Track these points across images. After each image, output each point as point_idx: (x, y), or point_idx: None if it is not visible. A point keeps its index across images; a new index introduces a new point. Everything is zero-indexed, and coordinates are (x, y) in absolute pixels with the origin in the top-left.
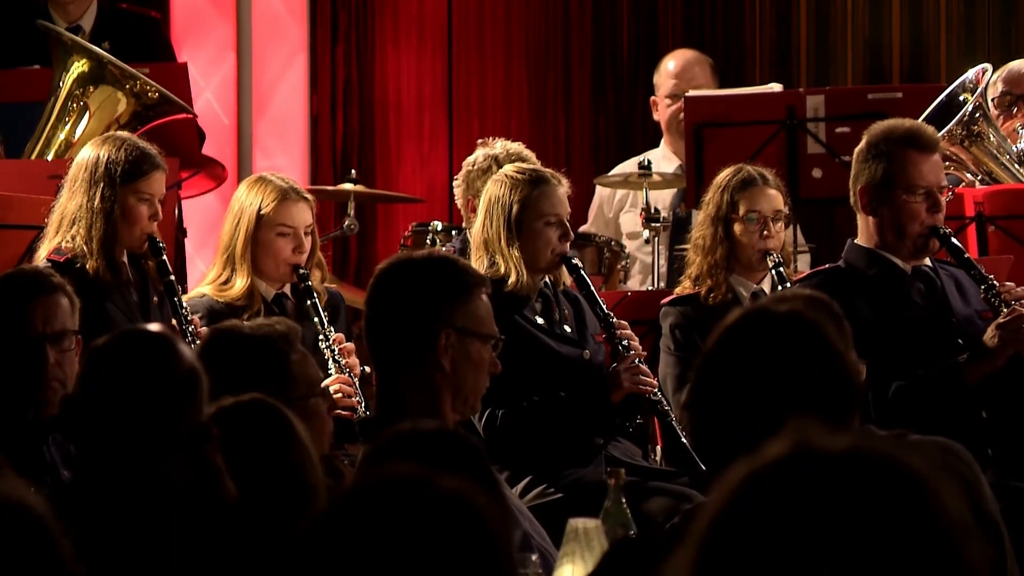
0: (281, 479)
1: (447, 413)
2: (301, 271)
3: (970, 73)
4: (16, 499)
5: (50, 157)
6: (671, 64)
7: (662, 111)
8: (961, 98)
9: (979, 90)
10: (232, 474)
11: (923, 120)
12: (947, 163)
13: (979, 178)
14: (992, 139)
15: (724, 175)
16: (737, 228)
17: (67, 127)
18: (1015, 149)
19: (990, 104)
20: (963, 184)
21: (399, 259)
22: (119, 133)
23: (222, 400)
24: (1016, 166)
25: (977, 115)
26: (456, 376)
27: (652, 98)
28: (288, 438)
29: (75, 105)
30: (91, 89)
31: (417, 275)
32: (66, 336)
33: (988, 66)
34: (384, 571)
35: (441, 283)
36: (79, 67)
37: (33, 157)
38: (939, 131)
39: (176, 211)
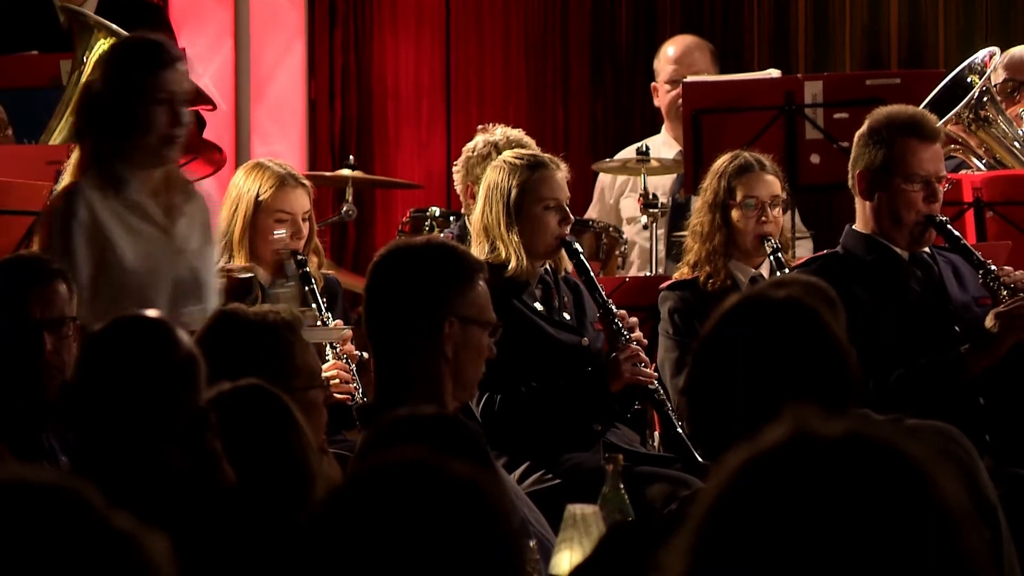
0: (280, 465)
1: (448, 399)
2: (299, 257)
3: (978, 56)
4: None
5: (68, 136)
6: (671, 50)
7: (662, 97)
8: (968, 80)
9: (987, 74)
10: (231, 459)
11: (929, 101)
12: (954, 146)
13: (984, 162)
14: (1000, 124)
15: (722, 161)
16: (735, 214)
17: None
18: (1020, 134)
19: (993, 90)
20: (966, 170)
21: (398, 245)
22: None
23: (220, 385)
24: (1021, 151)
25: (985, 99)
26: (458, 363)
27: (653, 84)
28: (287, 424)
29: None
30: None
31: (419, 262)
32: (64, 323)
33: (996, 49)
34: (395, 554)
35: (444, 270)
36: (103, 45)
37: (55, 136)
38: (945, 113)
39: None
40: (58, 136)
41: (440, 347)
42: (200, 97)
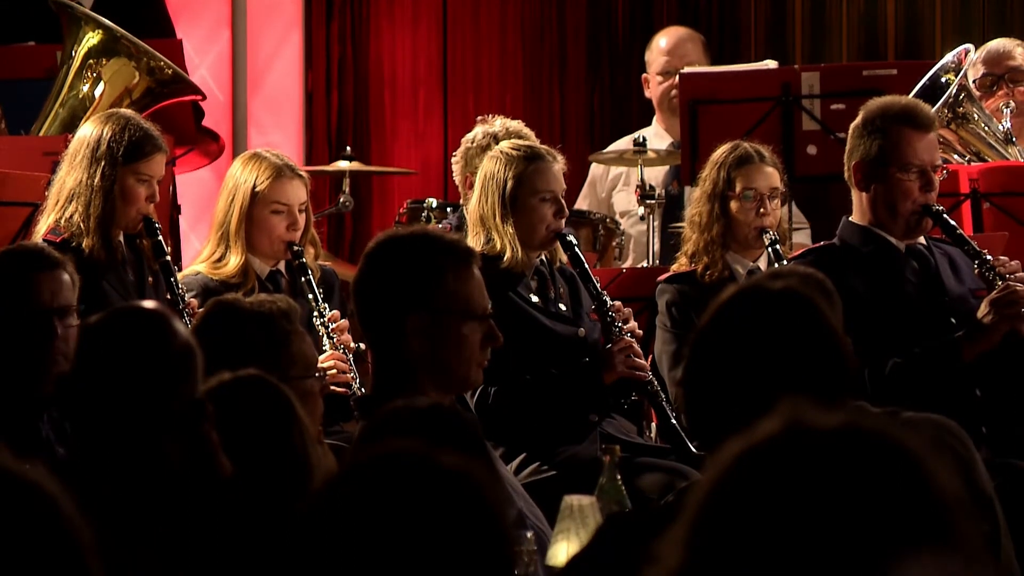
0: (281, 456)
1: (428, 393)
2: (295, 248)
3: (950, 55)
4: (32, 481)
5: (58, 128)
6: (663, 41)
7: (654, 88)
8: (944, 80)
9: (963, 71)
10: (231, 449)
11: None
12: None
13: (967, 159)
14: (978, 119)
15: (721, 151)
16: (733, 205)
17: (80, 97)
18: (1000, 128)
19: (972, 85)
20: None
21: (383, 238)
22: (122, 111)
23: (221, 375)
24: (1002, 145)
25: (961, 96)
26: (435, 356)
27: (644, 75)
28: (288, 416)
29: (90, 74)
30: (104, 60)
31: (392, 257)
32: (70, 311)
33: (970, 46)
34: (384, 546)
35: (412, 265)
36: (92, 38)
37: (44, 129)
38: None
39: (171, 188)
40: (48, 128)
41: (407, 342)
42: (189, 87)
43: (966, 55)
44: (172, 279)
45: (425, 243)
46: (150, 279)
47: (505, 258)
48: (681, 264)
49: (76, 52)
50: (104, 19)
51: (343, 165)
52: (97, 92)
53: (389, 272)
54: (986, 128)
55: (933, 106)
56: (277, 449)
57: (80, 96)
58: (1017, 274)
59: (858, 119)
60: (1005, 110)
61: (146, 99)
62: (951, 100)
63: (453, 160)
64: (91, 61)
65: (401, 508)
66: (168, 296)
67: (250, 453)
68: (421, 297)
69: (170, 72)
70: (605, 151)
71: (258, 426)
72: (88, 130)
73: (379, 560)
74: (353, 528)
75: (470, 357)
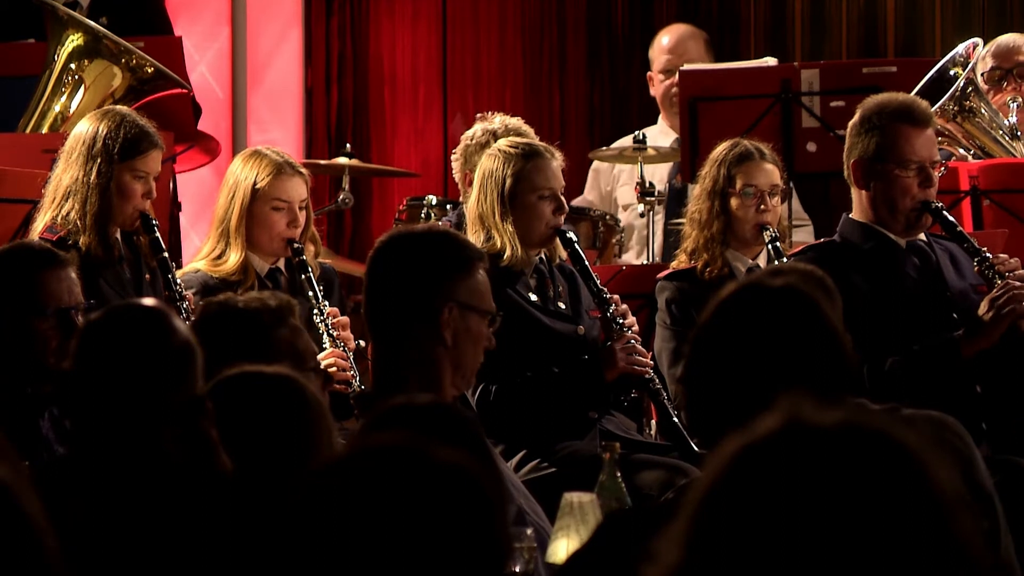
0: (303, 454)
1: (447, 387)
2: (295, 245)
3: (960, 48)
4: None
5: (44, 130)
6: (665, 39)
7: (657, 86)
8: (952, 73)
9: (970, 65)
10: (249, 443)
11: (915, 95)
12: (939, 138)
13: (972, 152)
14: (984, 113)
15: (721, 149)
16: (734, 202)
17: (62, 100)
18: (1007, 123)
19: (980, 79)
20: (955, 159)
21: (399, 232)
22: (118, 108)
23: (245, 367)
24: (1008, 140)
25: (969, 90)
26: (456, 350)
27: (648, 73)
28: (319, 415)
29: (70, 78)
30: (86, 63)
31: (419, 248)
32: (81, 308)
33: (979, 40)
34: (374, 537)
35: (443, 257)
36: (74, 40)
37: (28, 131)
38: (931, 106)
39: (171, 185)
40: (31, 130)
41: (439, 334)
42: (171, 83)
43: (974, 49)
44: (170, 276)
45: (447, 239)
46: (147, 276)
47: (505, 256)
48: (681, 261)
49: (59, 54)
50: (86, 20)
51: (343, 161)
52: (78, 97)
53: (422, 263)
54: (992, 122)
55: (940, 99)
56: (301, 447)
57: (62, 101)
58: (1016, 272)
59: (856, 117)
60: (1012, 105)
61: (128, 97)
62: (958, 93)
63: (452, 157)
64: (72, 65)
65: (392, 499)
66: (166, 293)
67: (271, 448)
68: (453, 289)
69: (151, 70)
70: (606, 148)
71: (284, 423)
72: (84, 127)
73: (368, 552)
74: (344, 519)
75: (480, 355)
